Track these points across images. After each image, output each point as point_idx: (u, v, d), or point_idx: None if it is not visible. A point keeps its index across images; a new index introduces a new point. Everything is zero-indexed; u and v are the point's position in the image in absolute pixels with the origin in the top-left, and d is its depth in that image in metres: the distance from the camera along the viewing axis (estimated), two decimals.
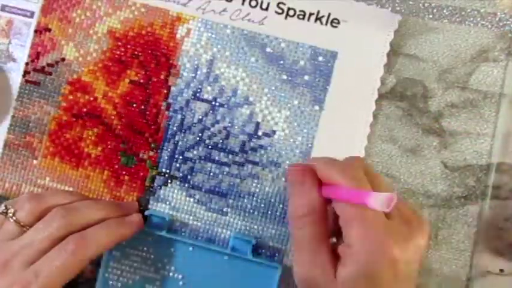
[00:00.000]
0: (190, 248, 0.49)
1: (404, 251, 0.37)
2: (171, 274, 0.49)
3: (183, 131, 0.50)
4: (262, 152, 0.50)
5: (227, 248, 0.49)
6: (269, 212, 0.50)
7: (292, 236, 0.41)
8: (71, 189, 0.50)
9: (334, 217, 0.40)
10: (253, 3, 0.49)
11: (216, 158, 0.50)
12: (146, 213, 0.49)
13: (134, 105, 0.50)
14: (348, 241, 0.37)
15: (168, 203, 0.50)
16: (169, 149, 0.50)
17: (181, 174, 0.50)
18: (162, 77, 0.50)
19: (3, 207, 0.44)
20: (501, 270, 0.49)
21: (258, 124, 0.50)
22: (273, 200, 0.50)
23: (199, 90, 0.50)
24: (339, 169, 0.39)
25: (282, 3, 0.49)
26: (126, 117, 0.50)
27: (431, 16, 0.46)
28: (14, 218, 0.43)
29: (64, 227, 0.43)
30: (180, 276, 0.49)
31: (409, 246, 0.37)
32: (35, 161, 0.50)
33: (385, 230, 0.37)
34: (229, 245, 0.49)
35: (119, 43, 0.50)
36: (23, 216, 0.44)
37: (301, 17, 0.49)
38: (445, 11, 0.45)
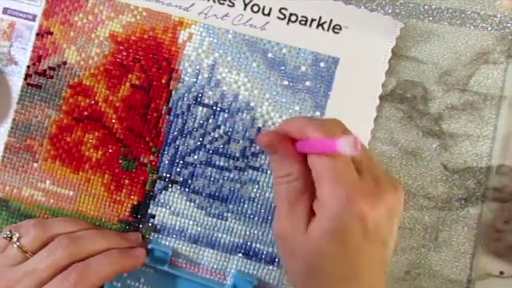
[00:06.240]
0: (192, 285, 0.49)
1: (373, 208, 0.37)
2: None
3: (184, 135, 0.50)
4: (263, 157, 0.50)
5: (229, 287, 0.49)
6: (269, 217, 0.49)
7: (275, 194, 0.42)
8: (71, 192, 0.50)
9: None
10: (255, 8, 0.50)
11: (217, 162, 0.50)
12: (149, 246, 0.49)
13: (135, 109, 0.50)
14: (319, 196, 0.38)
15: (168, 207, 0.50)
16: (169, 154, 0.50)
17: (181, 179, 0.50)
18: (163, 81, 0.50)
19: (8, 232, 0.44)
20: (501, 273, 0.49)
21: (259, 129, 0.50)
22: (273, 205, 0.49)
23: (200, 95, 0.50)
24: (315, 125, 0.39)
25: (284, 8, 0.50)
26: (127, 121, 0.50)
27: (431, 18, 0.47)
28: (17, 243, 0.43)
29: (67, 257, 0.43)
30: None
31: (378, 204, 0.37)
32: (35, 164, 0.50)
33: (353, 184, 0.37)
34: (231, 284, 0.49)
35: (121, 47, 0.50)
36: (27, 243, 0.44)
37: (303, 22, 0.50)
38: (445, 13, 0.46)
